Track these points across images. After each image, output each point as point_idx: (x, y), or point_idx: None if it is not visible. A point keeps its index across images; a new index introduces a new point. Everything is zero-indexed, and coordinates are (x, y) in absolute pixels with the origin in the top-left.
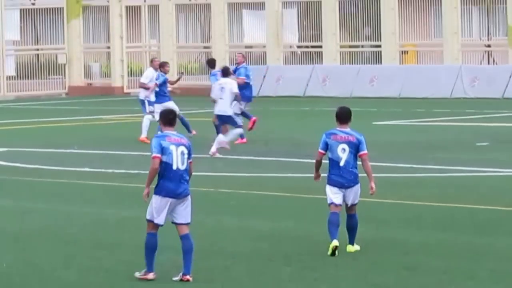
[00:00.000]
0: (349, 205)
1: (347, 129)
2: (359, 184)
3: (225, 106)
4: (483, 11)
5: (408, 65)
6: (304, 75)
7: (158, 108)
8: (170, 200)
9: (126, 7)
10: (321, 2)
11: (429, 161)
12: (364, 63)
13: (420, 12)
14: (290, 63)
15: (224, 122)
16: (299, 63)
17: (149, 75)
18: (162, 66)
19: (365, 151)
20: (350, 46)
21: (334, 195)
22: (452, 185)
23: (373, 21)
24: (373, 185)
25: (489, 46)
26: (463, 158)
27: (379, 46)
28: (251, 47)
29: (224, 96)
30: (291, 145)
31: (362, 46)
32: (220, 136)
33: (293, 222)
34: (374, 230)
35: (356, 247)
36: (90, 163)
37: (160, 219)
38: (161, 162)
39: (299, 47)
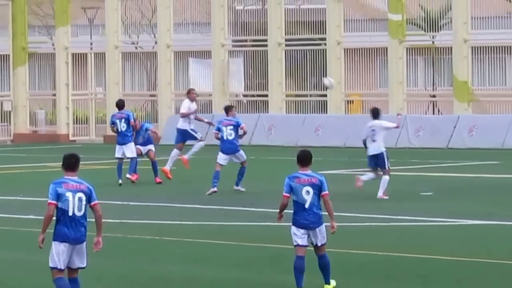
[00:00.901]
0: (318, 245)
1: (309, 171)
2: (324, 224)
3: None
4: (429, 61)
5: (354, 115)
6: (250, 124)
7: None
8: (67, 245)
9: (73, 54)
10: (267, 51)
11: (374, 210)
12: (310, 112)
13: (366, 62)
14: (236, 112)
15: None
16: (245, 112)
17: (186, 105)
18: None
19: (327, 192)
20: (296, 95)
21: (300, 237)
22: (396, 234)
23: (319, 70)
24: (334, 224)
25: (434, 96)
26: (407, 208)
27: (325, 95)
28: (197, 95)
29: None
30: (237, 193)
31: (310, 95)
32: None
33: (238, 271)
34: (319, 279)
35: (332, 283)
36: (35, 211)
37: (61, 264)
38: (57, 208)
39: (245, 95)
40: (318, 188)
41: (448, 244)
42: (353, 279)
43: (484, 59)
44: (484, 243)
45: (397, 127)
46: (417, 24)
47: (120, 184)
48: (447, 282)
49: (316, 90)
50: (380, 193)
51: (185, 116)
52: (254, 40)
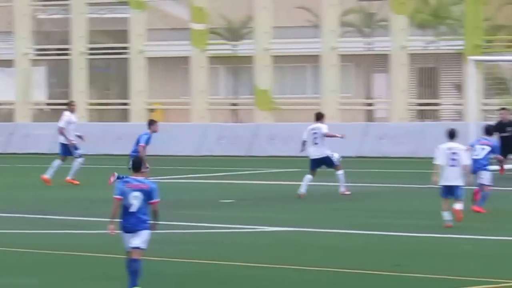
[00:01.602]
0: (133, 247)
1: (141, 178)
2: (148, 231)
3: None
4: (230, 70)
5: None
6: (50, 133)
7: None
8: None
9: None
10: (70, 60)
11: (174, 218)
12: (112, 121)
13: (169, 71)
14: (39, 120)
15: None
16: (48, 121)
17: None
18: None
19: (157, 199)
20: (99, 104)
21: (126, 240)
22: (196, 242)
23: (122, 79)
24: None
25: (235, 104)
26: (208, 215)
27: (127, 104)
28: None
29: None
30: (42, 202)
31: (113, 104)
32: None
33: (37, 279)
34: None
35: None
36: None
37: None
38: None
39: (48, 104)
40: (147, 195)
41: (247, 251)
42: (147, 287)
43: (285, 68)
44: (284, 250)
45: (341, 137)
46: (219, 34)
47: None
48: None
49: (119, 98)
50: (342, 189)
51: (61, 131)
52: (57, 49)
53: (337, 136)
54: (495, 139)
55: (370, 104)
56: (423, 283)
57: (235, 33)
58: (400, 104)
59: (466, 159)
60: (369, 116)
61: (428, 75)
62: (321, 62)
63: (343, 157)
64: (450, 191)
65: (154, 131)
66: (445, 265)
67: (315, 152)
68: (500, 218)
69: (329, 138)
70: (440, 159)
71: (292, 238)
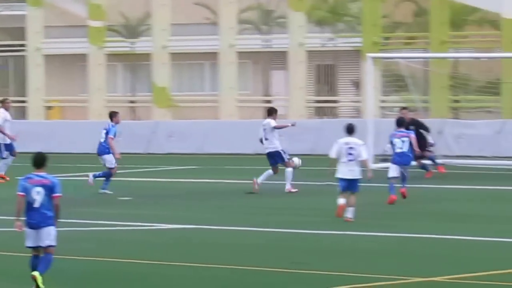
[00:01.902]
0: (43, 247)
1: (43, 173)
2: (53, 227)
3: None
4: (128, 67)
5: (54, 121)
6: None
7: None
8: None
9: None
10: None
11: (72, 216)
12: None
13: (67, 68)
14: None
15: None
16: None
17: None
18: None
19: (58, 194)
20: None
21: (28, 238)
22: (94, 240)
23: (19, 76)
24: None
25: (133, 102)
26: (106, 213)
27: (25, 101)
28: None
29: None
30: None
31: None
32: None
33: None
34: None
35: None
36: None
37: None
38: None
39: None
40: (50, 189)
41: (147, 248)
42: (48, 285)
43: (183, 65)
44: (182, 247)
45: (292, 125)
46: (117, 31)
47: None
48: (149, 287)
49: (17, 96)
50: (287, 186)
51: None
52: None
53: (288, 126)
54: (409, 130)
55: (268, 101)
56: (322, 280)
57: (133, 30)
58: (298, 101)
59: (364, 154)
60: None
61: (326, 72)
62: (219, 60)
63: (240, 154)
64: (348, 185)
65: (117, 122)
66: (344, 262)
67: (266, 146)
68: (398, 215)
69: (282, 130)
70: (334, 152)
71: (191, 235)
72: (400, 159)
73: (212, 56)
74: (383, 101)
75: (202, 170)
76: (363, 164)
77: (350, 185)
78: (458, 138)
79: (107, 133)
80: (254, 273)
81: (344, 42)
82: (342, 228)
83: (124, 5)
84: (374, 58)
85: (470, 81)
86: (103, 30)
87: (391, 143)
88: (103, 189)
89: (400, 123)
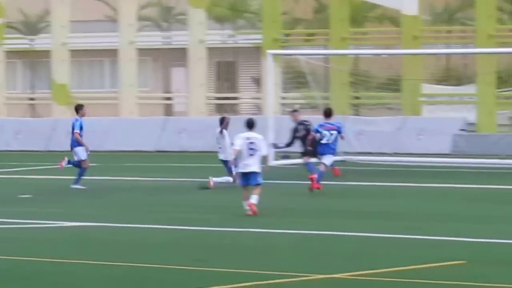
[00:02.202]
0: None
1: None
2: None
3: None
4: (28, 65)
5: None
6: None
7: None
8: None
9: None
10: None
11: None
12: None
13: None
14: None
15: None
16: None
17: None
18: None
19: None
20: None
21: None
22: None
23: None
24: None
25: (33, 99)
26: (5, 211)
27: None
28: None
29: None
30: None
31: None
32: None
33: None
34: None
35: None
36: None
37: None
38: None
39: None
40: None
41: (49, 246)
42: None
43: (83, 62)
44: (83, 245)
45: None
46: (16, 28)
47: None
48: (45, 284)
49: None
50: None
51: None
52: None
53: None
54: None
55: (168, 99)
56: (224, 277)
57: (32, 27)
58: (199, 98)
59: (264, 148)
60: (168, 111)
61: (227, 69)
62: (119, 57)
63: (141, 151)
64: (248, 179)
65: (83, 116)
66: (245, 259)
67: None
68: (300, 212)
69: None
70: (238, 145)
71: (90, 233)
72: (323, 150)
73: (112, 53)
74: (283, 98)
75: (102, 168)
76: (263, 159)
77: (251, 179)
78: (359, 134)
79: (73, 128)
80: (154, 270)
81: (245, 39)
82: (244, 226)
83: (23, 2)
84: (274, 54)
85: (371, 78)
86: (2, 27)
87: (318, 132)
88: (75, 184)
89: (327, 113)
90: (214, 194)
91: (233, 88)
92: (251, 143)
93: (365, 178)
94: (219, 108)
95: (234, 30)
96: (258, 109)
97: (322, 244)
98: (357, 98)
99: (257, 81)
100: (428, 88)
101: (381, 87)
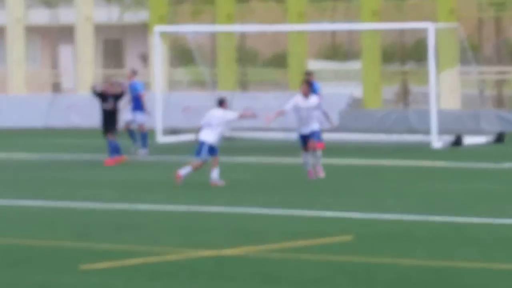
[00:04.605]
0: None
1: None
2: None
3: None
4: None
5: None
6: None
7: None
8: None
9: None
10: None
11: None
12: None
13: None
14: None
15: None
16: None
17: None
18: None
19: None
20: None
21: None
22: None
23: None
24: None
25: None
26: None
27: None
28: None
29: None
30: None
31: None
32: None
33: None
34: None
35: None
36: None
37: None
38: None
39: None
40: None
41: None
42: None
43: None
44: None
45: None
46: None
47: None
48: None
49: None
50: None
51: None
52: None
53: None
54: None
55: (57, 76)
56: (111, 253)
57: None
58: (86, 76)
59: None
60: (56, 88)
61: (114, 47)
62: (6, 34)
63: (29, 128)
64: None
65: None
66: (133, 236)
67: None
68: (186, 188)
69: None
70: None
71: None
72: None
73: None
74: (171, 75)
75: None
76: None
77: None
78: (246, 111)
79: None
80: (39, 248)
81: (132, 16)
82: (133, 202)
83: None
84: (161, 32)
85: (257, 54)
86: None
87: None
88: None
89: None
90: (100, 170)
91: (120, 65)
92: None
93: (252, 153)
94: None
95: (121, 7)
96: (146, 86)
97: (209, 220)
98: (244, 74)
99: (145, 59)
100: (314, 64)
101: (268, 63)
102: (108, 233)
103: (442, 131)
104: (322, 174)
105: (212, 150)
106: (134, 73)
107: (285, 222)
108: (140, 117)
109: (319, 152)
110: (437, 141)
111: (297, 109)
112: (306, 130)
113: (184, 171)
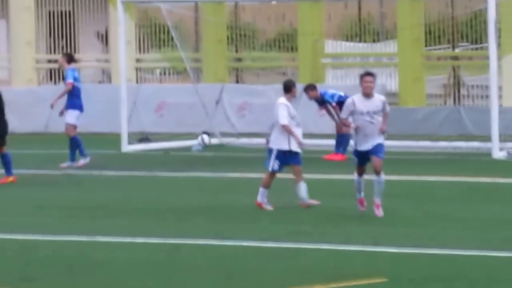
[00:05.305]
0: None
1: None
2: None
3: None
4: None
5: None
6: None
7: None
8: None
9: None
10: None
11: None
12: None
13: None
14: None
15: None
16: None
17: None
18: None
19: None
20: None
21: None
22: None
23: None
24: None
25: None
26: None
27: None
28: None
29: None
30: None
31: None
32: None
33: None
34: None
35: None
36: None
37: None
38: None
39: None
40: None
41: None
42: None
43: None
44: None
45: None
46: None
47: None
48: None
49: None
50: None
51: None
52: None
53: None
54: None
55: None
56: None
57: None
58: (25, 61)
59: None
60: None
61: (63, 22)
62: None
63: None
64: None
65: None
66: (83, 276)
67: None
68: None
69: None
70: None
71: None
72: None
73: None
74: (139, 61)
75: None
76: None
77: None
78: (241, 109)
79: None
80: None
81: None
82: (88, 232)
83: None
84: (125, 2)
85: (256, 32)
86: None
87: None
88: None
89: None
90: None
91: (70, 47)
92: None
93: (243, 168)
94: (54, 74)
95: None
96: (106, 75)
97: (192, 257)
98: (238, 60)
99: (103, 38)
100: (334, 46)
101: (271, 45)
102: (53, 273)
103: (506, 137)
104: (380, 212)
105: (285, 157)
106: (68, 58)
107: (290, 258)
108: (68, 116)
109: (383, 177)
110: (499, 150)
111: (356, 116)
112: (367, 144)
113: (260, 196)
